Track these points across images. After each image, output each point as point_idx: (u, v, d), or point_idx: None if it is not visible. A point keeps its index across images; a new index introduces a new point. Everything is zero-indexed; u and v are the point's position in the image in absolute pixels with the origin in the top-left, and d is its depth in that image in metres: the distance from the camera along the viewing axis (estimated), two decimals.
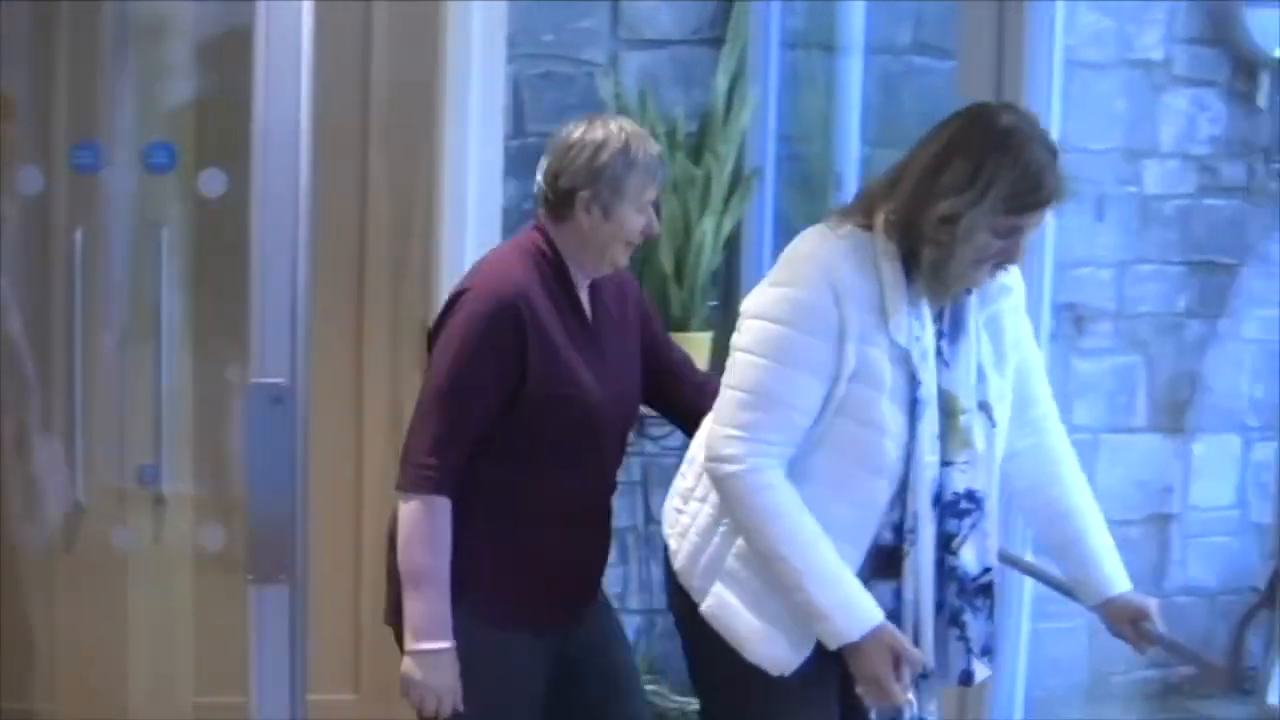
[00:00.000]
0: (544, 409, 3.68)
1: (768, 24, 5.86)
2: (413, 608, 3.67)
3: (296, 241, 4.06)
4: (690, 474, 3.65)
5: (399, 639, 3.77)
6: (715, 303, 5.82)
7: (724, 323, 5.77)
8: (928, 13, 5.88)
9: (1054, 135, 3.58)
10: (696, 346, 5.59)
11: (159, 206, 5.10)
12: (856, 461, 3.40)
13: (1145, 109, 6.31)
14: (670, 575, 3.68)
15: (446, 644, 3.66)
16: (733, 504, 3.42)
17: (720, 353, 5.59)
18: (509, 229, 5.48)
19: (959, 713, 4.38)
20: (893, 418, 3.36)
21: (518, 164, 5.60)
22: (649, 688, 5.69)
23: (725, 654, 3.54)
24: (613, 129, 3.70)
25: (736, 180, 5.72)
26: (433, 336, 3.76)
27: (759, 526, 3.38)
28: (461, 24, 5.14)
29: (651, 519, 5.99)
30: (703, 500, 3.57)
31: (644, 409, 4.05)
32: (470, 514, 3.68)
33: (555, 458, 3.73)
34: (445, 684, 3.67)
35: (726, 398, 3.43)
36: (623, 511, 5.97)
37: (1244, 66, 6.31)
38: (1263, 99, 6.33)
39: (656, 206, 3.78)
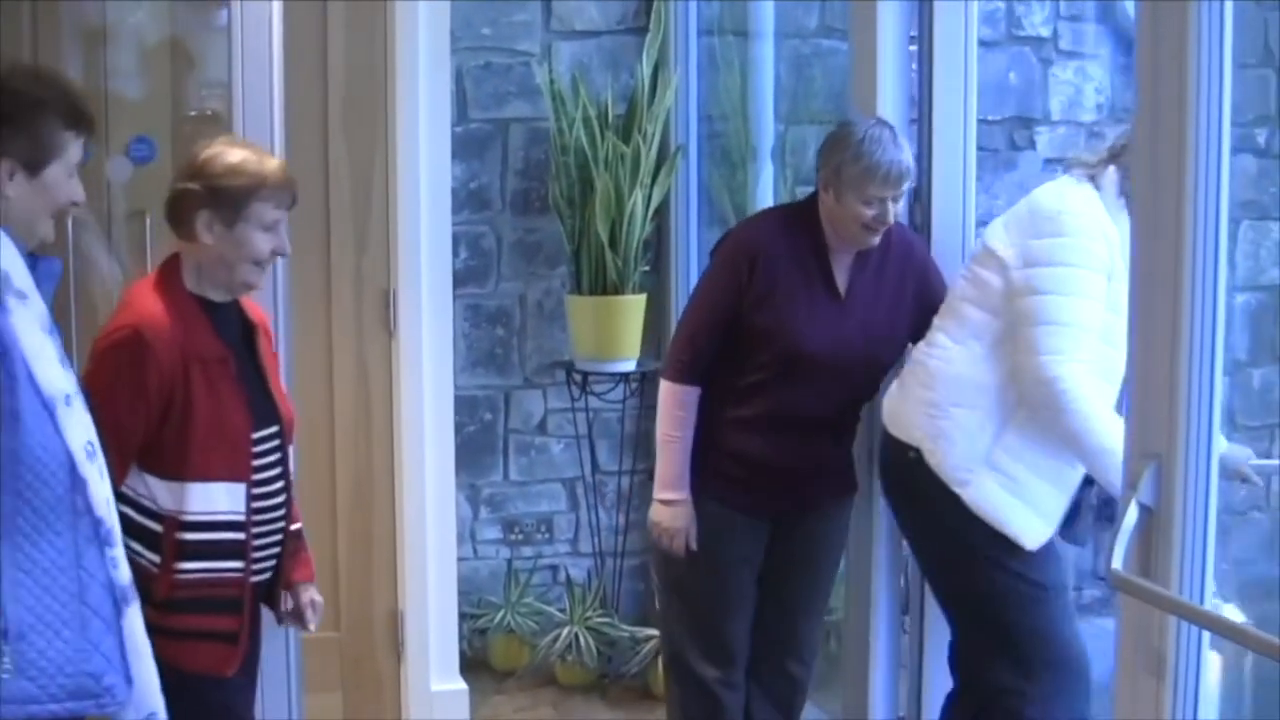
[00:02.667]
0: (755, 338, 4.44)
1: (687, 13, 6.23)
2: (659, 466, 4.61)
3: None
4: (937, 387, 4.27)
5: None
6: (647, 268, 6.24)
7: (656, 285, 6.23)
8: None
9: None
10: (632, 308, 6.06)
11: (143, 195, 5.28)
12: (1103, 376, 4.10)
13: (1035, 81, 6.78)
14: (914, 467, 4.30)
15: (682, 495, 4.58)
16: (1063, 413, 4.07)
17: (656, 312, 6.04)
18: (457, 206, 5.94)
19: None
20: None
21: (463, 147, 6.05)
22: (600, 619, 6.18)
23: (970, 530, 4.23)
24: (860, 131, 4.35)
25: (662, 157, 6.11)
26: None
27: (1089, 427, 4.05)
28: (409, 21, 5.42)
29: (598, 469, 6.47)
30: (970, 407, 4.22)
31: None
32: (709, 405, 4.51)
33: (771, 379, 4.47)
34: (680, 525, 4.58)
35: (1039, 332, 4.08)
36: (569, 463, 6.44)
37: (1124, 40, 6.75)
38: None
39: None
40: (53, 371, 3.13)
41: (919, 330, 4.46)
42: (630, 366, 6.17)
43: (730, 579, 4.63)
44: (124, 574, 3.25)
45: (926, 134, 4.59)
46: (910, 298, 4.51)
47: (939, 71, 4.52)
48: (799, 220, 4.48)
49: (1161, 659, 3.28)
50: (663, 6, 6.16)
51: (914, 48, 4.64)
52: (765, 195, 6.21)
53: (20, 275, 3.13)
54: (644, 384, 6.29)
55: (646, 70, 6.07)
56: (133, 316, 3.70)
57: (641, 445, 6.33)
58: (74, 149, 3.24)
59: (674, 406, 4.53)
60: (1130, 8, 6.64)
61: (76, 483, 3.13)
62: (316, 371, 5.55)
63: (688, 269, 6.24)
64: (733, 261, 4.45)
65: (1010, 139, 6.70)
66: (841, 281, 4.46)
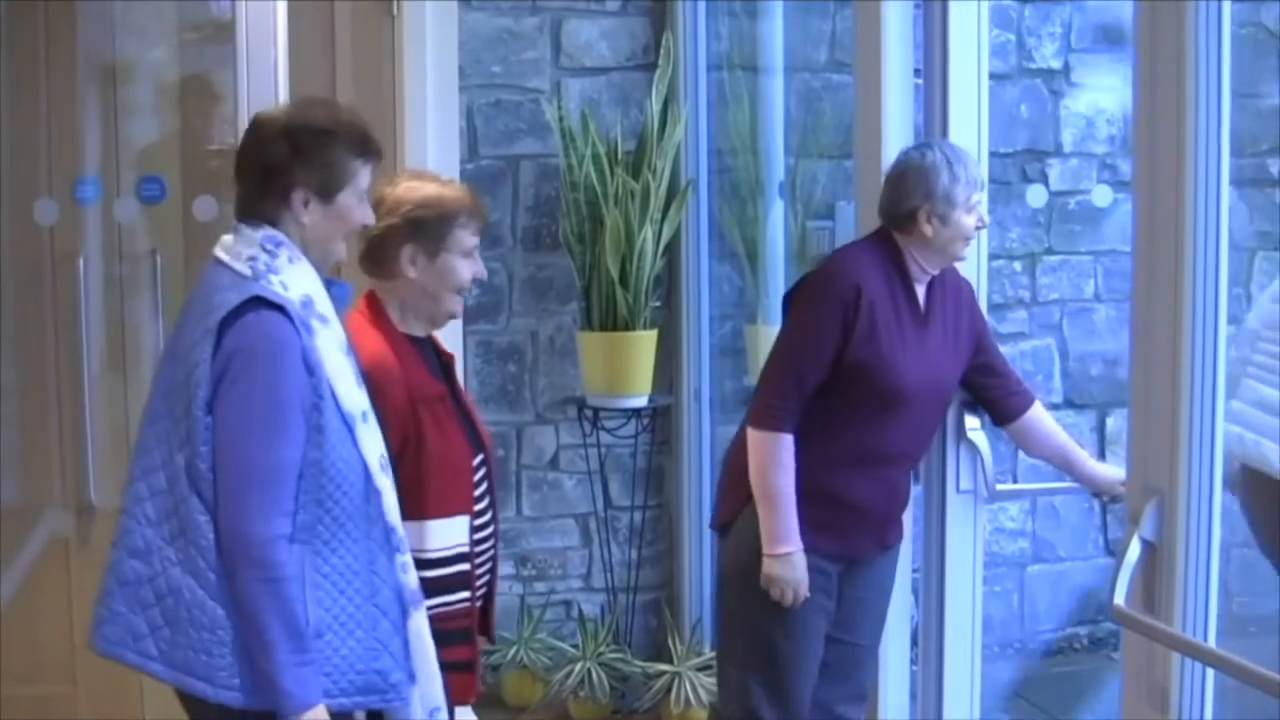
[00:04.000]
0: (853, 376, 4.34)
1: (696, 48, 6.26)
2: (768, 520, 4.40)
3: None
4: None
5: (721, 535, 4.60)
6: (658, 303, 6.24)
7: (667, 321, 6.22)
8: (843, 33, 6.25)
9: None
10: (643, 343, 6.05)
11: (153, 234, 5.40)
12: None
13: (1046, 114, 6.76)
14: None
15: (795, 548, 4.38)
16: None
17: (667, 347, 6.02)
18: None
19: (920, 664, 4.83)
20: None
21: (474, 184, 6.00)
22: (613, 655, 6.17)
23: None
24: (936, 153, 4.34)
25: (673, 192, 6.12)
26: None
27: None
28: (416, 59, 5.43)
29: (610, 504, 6.45)
30: None
31: None
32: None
33: (865, 416, 4.39)
34: (800, 576, 4.39)
35: None
36: (582, 499, 6.43)
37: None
38: None
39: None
40: (352, 390, 3.41)
41: (969, 362, 4.52)
42: (642, 402, 6.16)
43: (811, 638, 4.53)
44: (412, 579, 3.54)
45: None
46: (966, 329, 4.52)
47: (953, 105, 4.50)
48: (880, 253, 4.42)
49: (1165, 695, 3.28)
50: (672, 42, 6.17)
51: (919, 81, 4.64)
52: (776, 230, 6.20)
53: (321, 300, 3.40)
54: (655, 419, 6.28)
55: (656, 106, 6.08)
56: (361, 360, 3.70)
57: (653, 480, 6.32)
58: (363, 175, 3.46)
59: (775, 456, 4.36)
60: None
61: (371, 493, 3.42)
62: None
63: (699, 304, 6.24)
64: (835, 300, 4.34)
65: (1022, 172, 6.69)
66: (925, 312, 4.45)
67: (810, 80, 6.38)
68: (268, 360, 3.27)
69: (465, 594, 3.91)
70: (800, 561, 4.38)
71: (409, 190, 3.93)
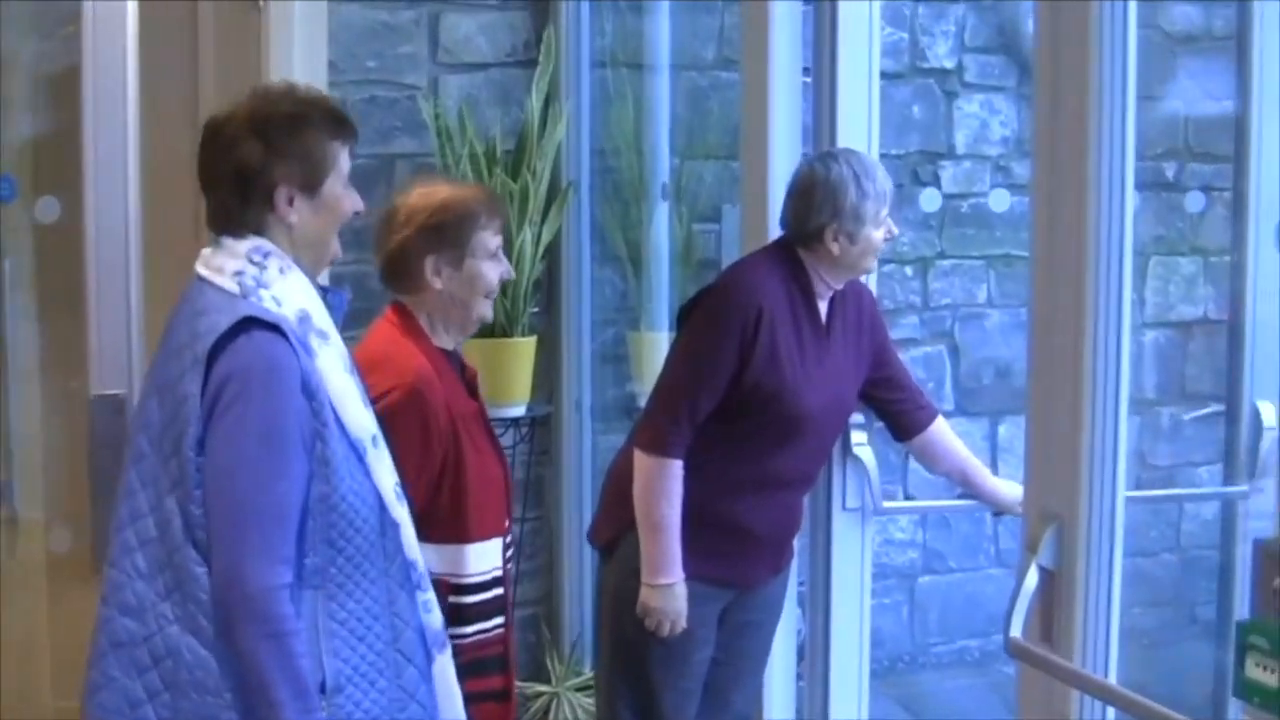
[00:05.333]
0: (752, 400, 4.14)
1: (579, 45, 6.06)
2: (650, 549, 4.19)
3: (128, 264, 4.30)
4: None
5: (603, 555, 4.41)
6: (537, 309, 6.03)
7: (547, 327, 6.03)
8: (731, 29, 6.08)
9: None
10: (521, 351, 5.85)
11: (3, 236, 5.15)
12: None
13: (939, 115, 6.64)
14: None
15: (676, 579, 4.18)
16: None
17: (547, 354, 5.85)
18: (342, 246, 5.67)
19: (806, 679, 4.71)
20: None
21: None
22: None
23: None
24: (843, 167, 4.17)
25: (553, 193, 5.92)
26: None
27: None
28: (283, 56, 5.22)
29: None
30: None
31: None
32: (687, 474, 4.18)
33: (764, 441, 4.19)
34: (679, 608, 4.19)
35: None
36: None
37: (1030, 71, 6.61)
38: None
39: None
40: (360, 413, 3.11)
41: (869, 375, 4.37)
42: (520, 411, 5.94)
43: (690, 670, 4.35)
44: (436, 618, 3.23)
45: None
46: (868, 342, 4.37)
47: (843, 105, 4.35)
48: (783, 268, 4.23)
49: None
50: (554, 37, 5.98)
51: (808, 79, 4.48)
52: (660, 233, 6.05)
53: (319, 314, 3.11)
54: (534, 429, 6.08)
55: (536, 104, 5.89)
56: (406, 375, 3.57)
57: (533, 492, 6.12)
58: (344, 158, 3.19)
59: (663, 483, 4.15)
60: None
61: (387, 526, 3.12)
62: None
63: (579, 310, 6.06)
64: (734, 320, 4.14)
65: (914, 174, 6.55)
66: (827, 327, 4.29)
67: (697, 78, 6.21)
68: (263, 387, 2.96)
69: (501, 619, 3.78)
70: (680, 593, 4.19)
71: (422, 198, 3.81)
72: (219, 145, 3.12)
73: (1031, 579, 3.11)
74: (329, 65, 5.48)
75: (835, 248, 4.17)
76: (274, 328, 2.99)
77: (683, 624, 4.20)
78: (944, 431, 4.48)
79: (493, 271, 3.79)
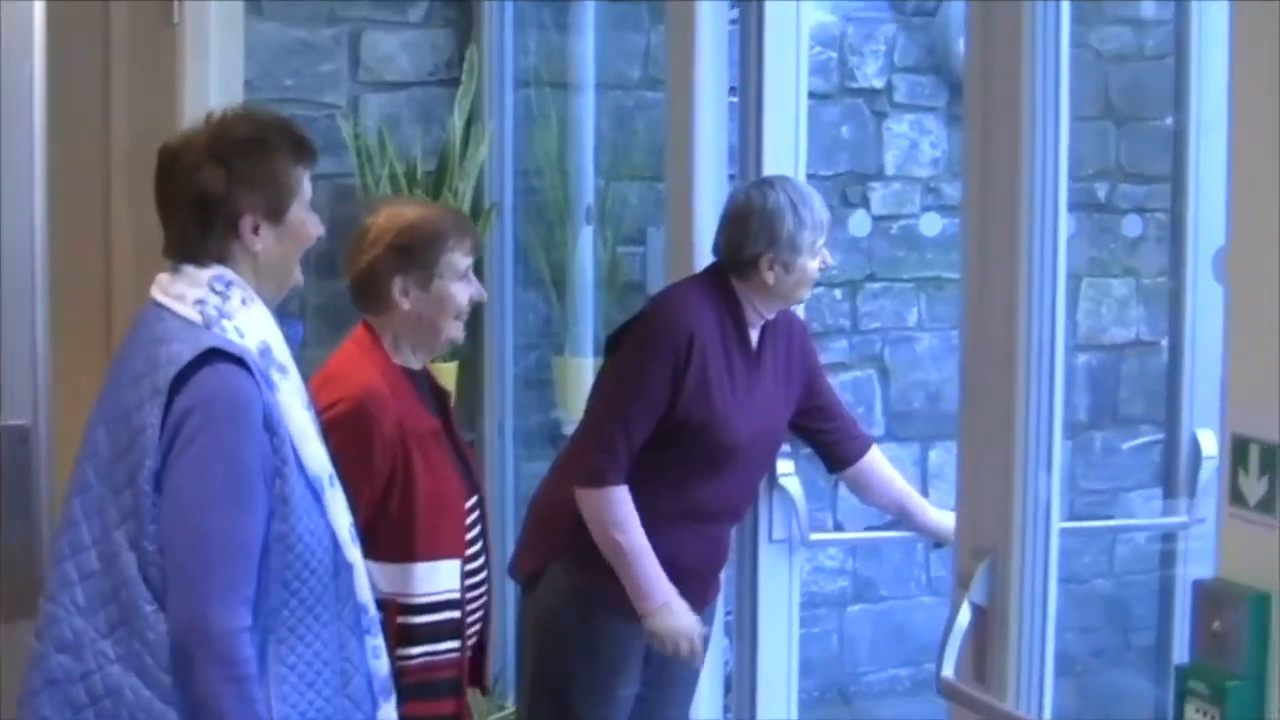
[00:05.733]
0: (683, 430, 4.04)
1: (502, 63, 5.94)
2: (634, 579, 4.04)
3: (34, 290, 4.17)
4: None
5: (525, 588, 4.28)
6: None
7: (470, 351, 5.91)
8: (657, 48, 5.96)
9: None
10: (445, 375, 5.70)
11: None
12: None
13: (869, 135, 6.54)
14: None
15: (670, 596, 4.05)
16: None
17: (470, 379, 5.73)
18: None
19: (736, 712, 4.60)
20: None
21: None
22: None
23: None
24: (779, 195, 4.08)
25: (476, 214, 5.77)
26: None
27: None
28: (199, 74, 5.12)
29: None
30: None
31: None
32: None
33: (694, 472, 4.08)
34: (684, 625, 4.08)
35: None
36: None
37: (961, 92, 6.54)
38: None
39: None
40: (318, 451, 3.05)
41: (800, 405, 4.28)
42: None
43: (619, 704, 4.24)
44: (383, 665, 3.15)
45: None
46: (798, 371, 4.28)
47: (769, 125, 4.25)
48: (714, 296, 4.14)
49: None
50: (477, 56, 5.86)
51: (734, 99, 4.40)
52: (585, 255, 5.95)
53: (280, 347, 3.05)
54: None
55: (459, 124, 5.76)
56: (352, 389, 3.54)
57: None
58: (306, 182, 3.12)
59: (613, 512, 4.01)
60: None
61: (341, 568, 3.05)
62: None
63: (502, 334, 5.95)
64: (665, 349, 4.04)
65: (843, 195, 6.46)
66: (758, 356, 4.20)
67: (623, 98, 6.10)
68: (226, 421, 2.88)
69: (454, 643, 3.73)
70: (680, 607, 4.07)
71: (391, 218, 3.78)
72: (178, 172, 3.04)
73: (964, 616, 3.02)
74: (246, 84, 5.40)
75: (770, 277, 4.08)
76: (238, 360, 2.92)
77: (698, 637, 4.11)
78: (879, 462, 4.38)
79: (463, 292, 3.77)
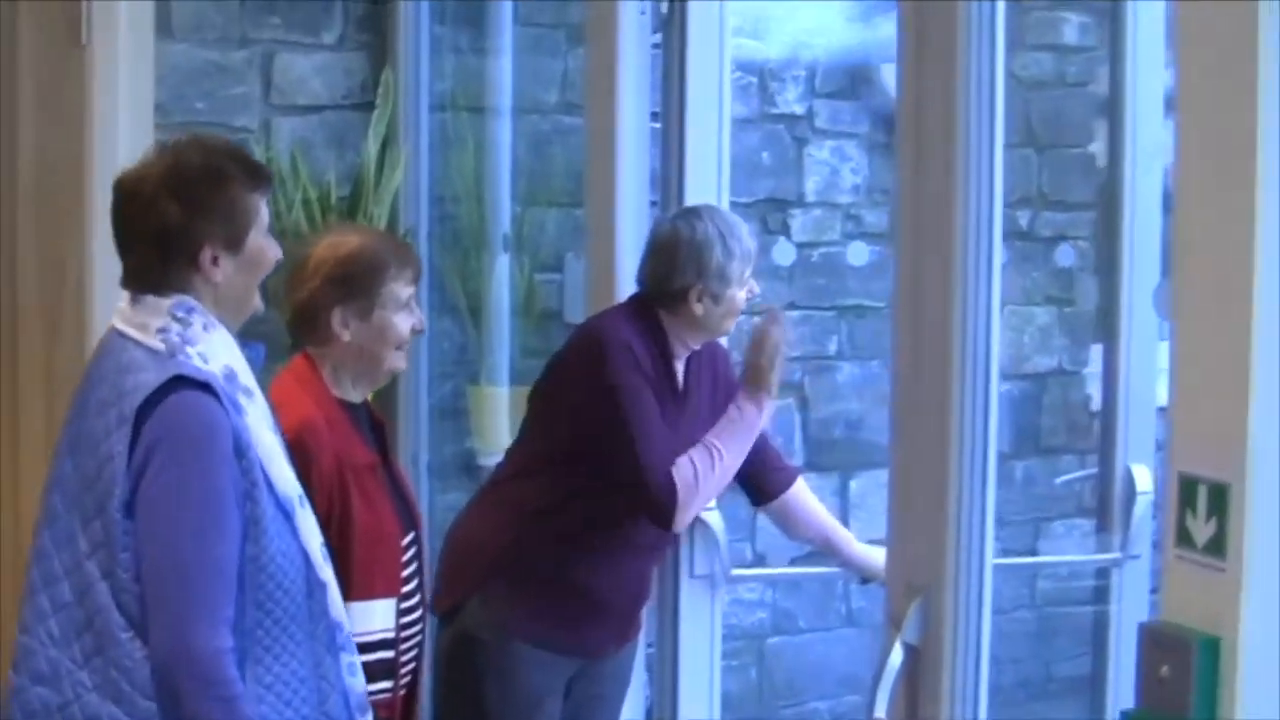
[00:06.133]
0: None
1: (418, 87, 5.85)
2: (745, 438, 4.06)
3: None
4: None
5: (442, 622, 4.14)
6: None
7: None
8: (575, 73, 5.92)
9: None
10: None
11: None
12: None
13: (790, 161, 6.47)
14: None
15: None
16: None
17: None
18: None
19: None
20: None
21: None
22: None
23: None
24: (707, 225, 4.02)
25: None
26: None
27: None
28: (108, 96, 5.03)
29: None
30: None
31: None
32: (536, 536, 3.99)
33: (622, 501, 3.98)
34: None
35: None
36: None
37: (882, 118, 6.50)
38: None
39: None
40: (285, 472, 3.08)
41: None
42: None
43: None
44: (359, 682, 3.20)
45: None
46: (722, 402, 4.17)
47: (691, 151, 4.18)
48: (641, 329, 4.06)
49: None
50: (392, 79, 5.76)
51: (656, 125, 4.33)
52: (501, 283, 5.85)
53: (244, 371, 3.07)
54: None
55: (373, 148, 5.65)
56: (288, 422, 3.38)
57: None
58: (264, 208, 3.13)
59: (696, 488, 3.94)
60: (889, 84, 6.41)
61: (314, 587, 3.09)
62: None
63: (417, 363, 5.81)
64: (623, 358, 3.98)
65: (764, 222, 6.38)
66: (684, 390, 4.14)
67: (540, 123, 6.01)
68: (197, 447, 2.91)
69: (388, 683, 3.65)
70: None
71: (330, 248, 3.71)
72: (135, 206, 3.04)
73: (896, 656, 2.94)
74: (156, 107, 5.32)
75: (699, 309, 4.02)
76: (204, 386, 2.94)
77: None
78: (804, 495, 4.31)
79: (404, 323, 3.68)
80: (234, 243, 3.04)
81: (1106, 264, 4.17)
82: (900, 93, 3.07)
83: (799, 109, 6.46)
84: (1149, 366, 4.18)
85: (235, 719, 2.86)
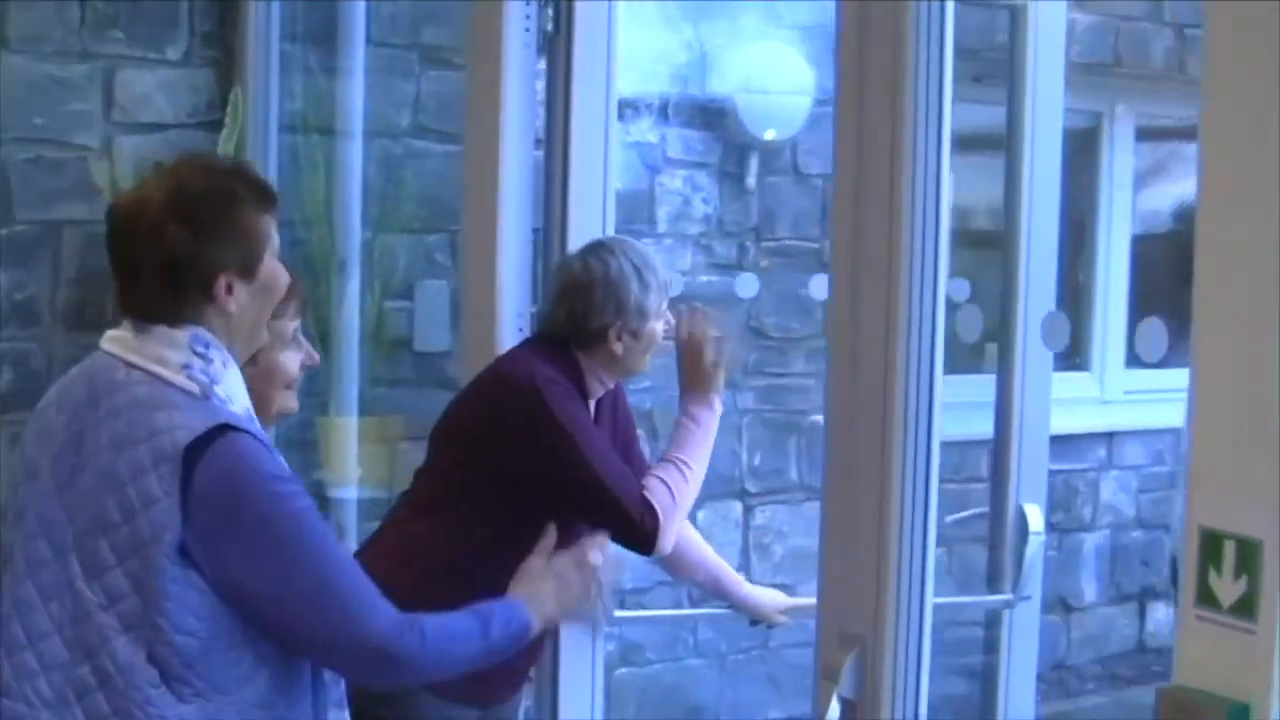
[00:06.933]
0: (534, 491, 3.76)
1: (267, 107, 5.67)
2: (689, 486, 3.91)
3: None
4: None
5: None
6: None
7: None
8: (428, 96, 5.81)
9: None
10: None
11: None
12: None
13: (642, 190, 6.39)
14: None
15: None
16: None
17: None
18: (0, 321, 5.24)
19: None
20: None
21: (7, 254, 5.33)
22: None
23: None
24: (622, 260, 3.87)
25: None
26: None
27: None
28: None
29: None
30: None
31: None
32: (453, 576, 3.68)
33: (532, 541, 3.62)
34: None
35: None
36: None
37: (734, 149, 6.44)
38: (751, 180, 6.48)
39: None
40: None
41: None
42: None
43: None
44: None
45: (558, 249, 4.12)
46: (620, 442, 4.05)
47: (575, 175, 4.05)
48: (558, 369, 3.87)
49: None
50: (240, 99, 5.56)
51: (538, 152, 4.20)
52: (351, 310, 5.68)
53: (252, 410, 2.89)
54: None
55: None
56: None
57: None
58: (274, 231, 2.89)
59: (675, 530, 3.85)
60: (742, 114, 6.35)
61: None
62: None
63: None
64: (568, 397, 3.80)
65: None
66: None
67: (391, 146, 5.85)
68: (265, 483, 2.71)
69: None
70: None
71: None
72: (140, 235, 2.79)
73: (832, 711, 2.82)
74: None
75: (619, 347, 3.88)
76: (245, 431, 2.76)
77: None
78: (692, 537, 4.19)
79: (293, 360, 3.36)
80: (248, 269, 2.81)
81: (992, 295, 4.09)
82: (838, 122, 2.96)
83: (652, 137, 6.39)
84: (1043, 400, 4.13)
85: (444, 645, 2.84)
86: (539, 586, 3.06)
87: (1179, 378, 2.20)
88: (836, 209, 2.94)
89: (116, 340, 2.85)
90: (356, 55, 5.79)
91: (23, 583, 2.74)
